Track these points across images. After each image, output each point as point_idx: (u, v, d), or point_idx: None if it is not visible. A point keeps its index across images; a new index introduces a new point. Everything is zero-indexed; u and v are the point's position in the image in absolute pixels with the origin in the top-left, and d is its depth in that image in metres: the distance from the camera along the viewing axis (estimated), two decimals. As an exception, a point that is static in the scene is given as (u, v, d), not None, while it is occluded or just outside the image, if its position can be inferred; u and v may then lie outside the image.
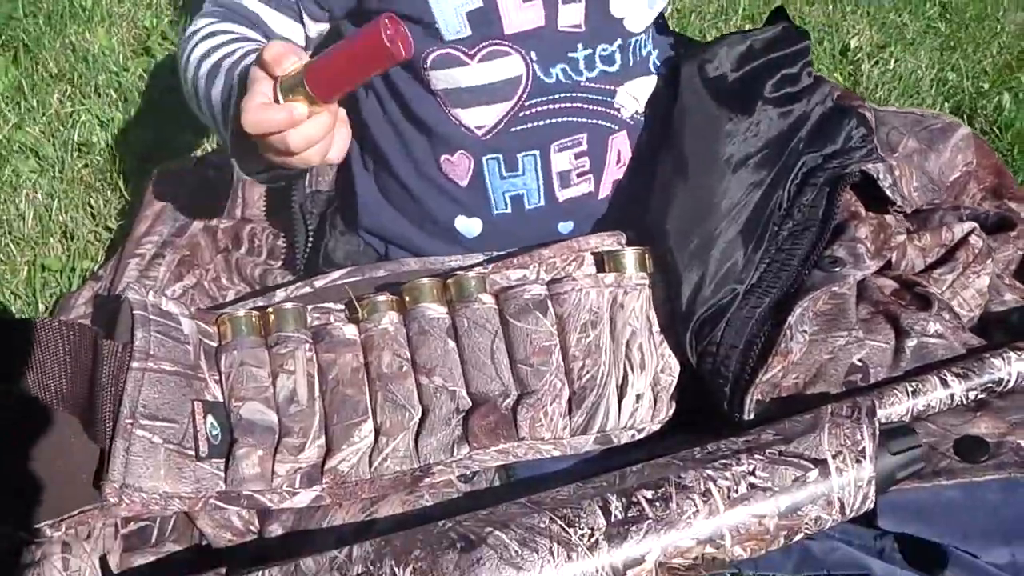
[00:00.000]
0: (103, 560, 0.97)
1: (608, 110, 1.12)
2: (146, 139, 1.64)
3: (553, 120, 1.10)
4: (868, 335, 0.99)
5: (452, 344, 1.02)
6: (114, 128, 1.67)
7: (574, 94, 1.10)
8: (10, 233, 1.47)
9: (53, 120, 1.71)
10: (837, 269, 1.00)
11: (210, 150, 1.47)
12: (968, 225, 1.09)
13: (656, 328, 1.03)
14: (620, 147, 1.14)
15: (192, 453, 0.98)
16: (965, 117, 1.72)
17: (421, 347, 1.00)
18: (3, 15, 2.03)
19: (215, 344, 1.05)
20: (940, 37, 2.01)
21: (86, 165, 1.60)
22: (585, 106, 1.11)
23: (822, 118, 1.09)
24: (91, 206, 1.52)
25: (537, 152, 1.10)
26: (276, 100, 0.84)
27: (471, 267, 1.07)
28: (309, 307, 1.05)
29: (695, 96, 1.06)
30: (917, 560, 0.94)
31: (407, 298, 1.02)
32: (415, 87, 1.10)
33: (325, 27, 1.14)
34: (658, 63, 1.17)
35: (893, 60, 1.91)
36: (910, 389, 0.93)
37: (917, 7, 2.11)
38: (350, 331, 1.02)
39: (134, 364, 0.97)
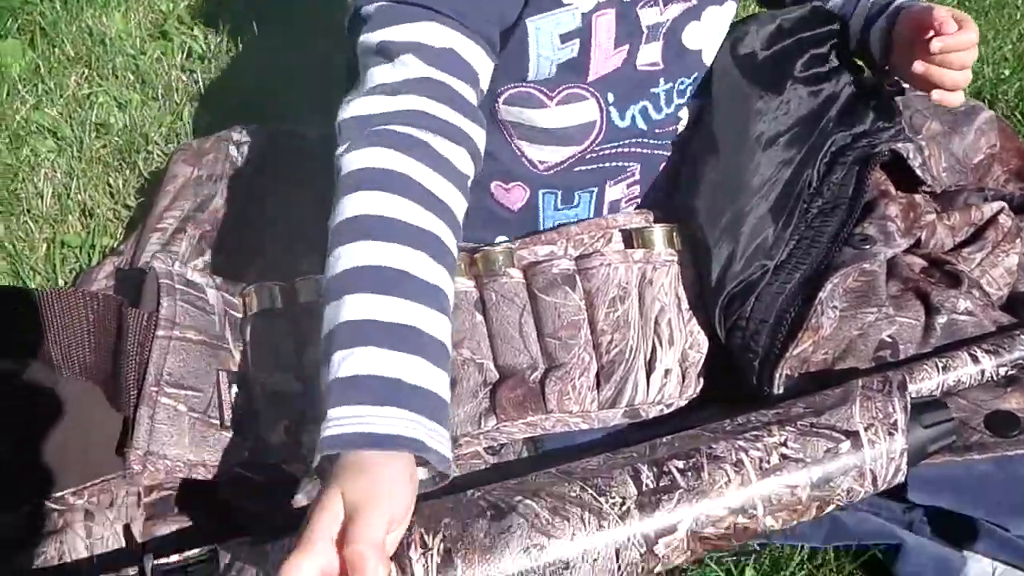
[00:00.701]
0: (127, 528, 0.97)
1: (666, 146, 1.11)
2: (164, 120, 1.63)
3: (616, 163, 1.09)
4: (898, 312, 0.98)
5: (480, 317, 1.01)
6: (132, 109, 1.66)
7: (643, 139, 1.08)
8: (29, 211, 1.47)
9: (70, 102, 1.71)
10: (868, 247, 1.00)
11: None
12: (997, 204, 1.09)
13: (685, 305, 1.03)
14: (669, 170, 1.13)
15: (217, 422, 0.98)
16: (986, 103, 1.71)
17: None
18: (20, -1, 2.02)
19: (240, 315, 1.05)
20: (962, 23, 1.99)
21: (104, 145, 1.59)
22: (647, 151, 1.09)
23: (851, 98, 1.09)
24: (110, 185, 1.51)
25: (595, 189, 1.09)
26: None
27: (498, 242, 1.07)
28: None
29: (726, 75, 1.06)
30: (946, 533, 0.94)
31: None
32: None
33: None
34: None
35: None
36: (940, 365, 0.93)
37: (937, -4, 2.10)
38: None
39: (160, 332, 0.97)
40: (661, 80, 1.06)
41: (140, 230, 1.22)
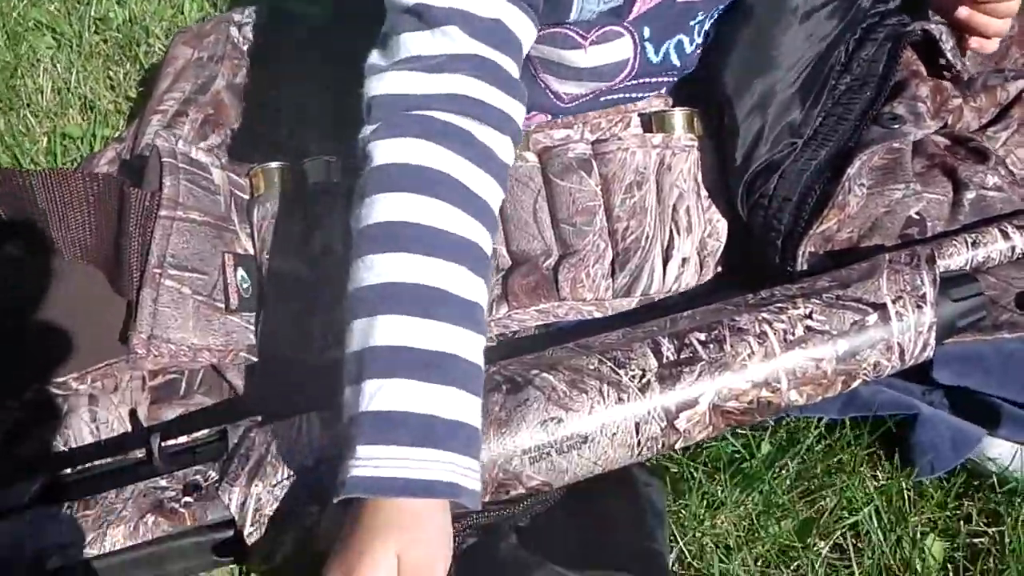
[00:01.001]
0: (132, 413, 0.95)
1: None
2: (164, 14, 1.59)
3: (644, 93, 1.04)
4: (925, 188, 0.95)
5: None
6: (131, 4, 1.61)
7: (674, 72, 1.04)
8: (29, 106, 1.44)
9: (67, -4, 1.67)
10: (897, 126, 0.96)
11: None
12: (1022, 82, 1.05)
13: (704, 192, 0.99)
14: None
15: (222, 305, 0.96)
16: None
17: (461, 203, 0.96)
18: None
19: (247, 197, 1.02)
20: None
21: (104, 40, 1.55)
22: (675, 79, 1.05)
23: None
24: (111, 78, 1.48)
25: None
26: None
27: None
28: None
29: None
30: (967, 417, 0.92)
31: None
32: None
33: None
34: None
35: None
36: (970, 240, 0.89)
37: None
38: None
39: (162, 212, 0.94)
40: (699, 13, 1.00)
41: (141, 115, 1.18)
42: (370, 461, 0.70)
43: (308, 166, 1.01)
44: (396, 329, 0.72)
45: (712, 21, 1.03)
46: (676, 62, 1.02)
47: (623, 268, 0.97)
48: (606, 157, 0.98)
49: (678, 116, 1.01)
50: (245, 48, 1.22)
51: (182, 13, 1.59)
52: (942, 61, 1.03)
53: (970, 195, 0.94)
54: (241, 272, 0.97)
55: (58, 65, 1.51)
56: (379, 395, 0.71)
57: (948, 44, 1.02)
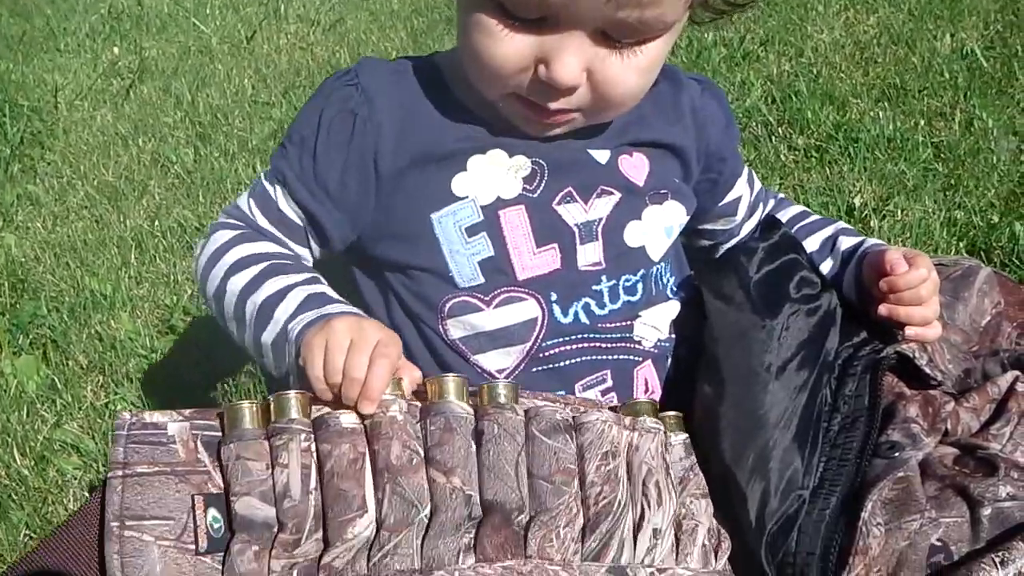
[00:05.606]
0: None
1: (628, 344, 1.12)
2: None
3: (573, 360, 1.10)
4: (941, 513, 0.94)
5: (474, 448, 0.96)
6: (149, 412, 1.66)
7: (591, 335, 1.10)
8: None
9: (90, 413, 1.71)
10: (897, 454, 0.97)
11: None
12: (1011, 374, 1.07)
13: (673, 472, 1.01)
14: (647, 376, 1.14)
15: (192, 547, 0.92)
16: (982, 254, 1.71)
17: (444, 444, 0.94)
18: (28, 313, 2.05)
19: (218, 435, 0.99)
20: (940, 178, 1.99)
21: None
22: (604, 344, 1.11)
23: (845, 312, 1.10)
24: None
25: (562, 393, 1.08)
26: None
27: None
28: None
29: (722, 313, 1.08)
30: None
31: (432, 389, 0.97)
32: (436, 337, 1.10)
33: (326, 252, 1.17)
34: (676, 288, 1.18)
35: (899, 211, 1.88)
36: (997, 560, 0.88)
37: (911, 153, 2.10)
38: (348, 420, 0.95)
39: (110, 475, 0.94)
40: (603, 278, 1.08)
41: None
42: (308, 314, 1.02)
43: (275, 401, 0.97)
44: (275, 283, 1.06)
45: (636, 296, 1.10)
46: (585, 321, 1.08)
47: (593, 532, 0.94)
48: (584, 426, 0.98)
49: (644, 405, 1.03)
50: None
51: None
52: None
53: (986, 511, 0.93)
54: (212, 512, 0.93)
55: (85, 488, 1.52)
56: (287, 301, 1.04)
57: (923, 360, 1.05)
